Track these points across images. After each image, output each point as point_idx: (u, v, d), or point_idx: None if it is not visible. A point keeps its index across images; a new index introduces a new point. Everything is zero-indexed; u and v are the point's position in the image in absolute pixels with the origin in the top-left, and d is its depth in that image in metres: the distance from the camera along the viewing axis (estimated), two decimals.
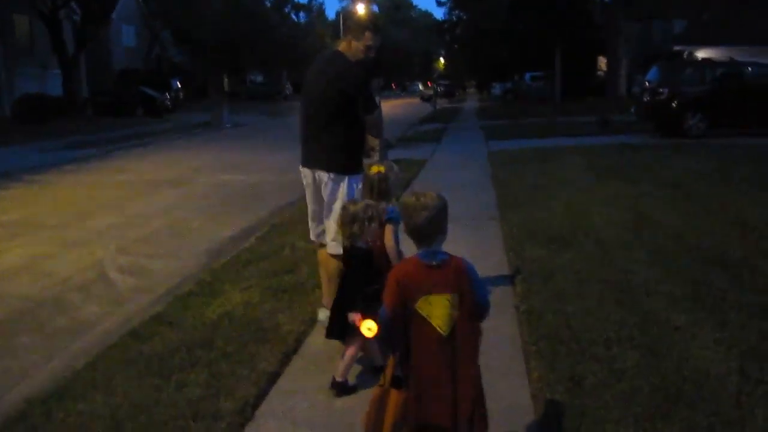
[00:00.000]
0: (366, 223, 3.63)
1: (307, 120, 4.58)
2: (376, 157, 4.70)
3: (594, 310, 4.64)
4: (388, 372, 2.83)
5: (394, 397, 2.76)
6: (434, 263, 2.63)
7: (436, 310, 2.59)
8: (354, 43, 4.44)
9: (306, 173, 4.58)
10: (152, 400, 3.71)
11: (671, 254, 6.06)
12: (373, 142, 4.67)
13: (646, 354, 3.91)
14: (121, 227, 9.31)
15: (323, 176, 4.40)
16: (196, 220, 9.69)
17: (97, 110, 35.72)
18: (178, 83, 43.18)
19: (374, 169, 3.96)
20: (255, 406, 3.64)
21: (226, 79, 64.11)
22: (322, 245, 4.68)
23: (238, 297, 5.47)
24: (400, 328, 2.63)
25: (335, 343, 4.44)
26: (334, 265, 4.40)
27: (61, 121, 29.80)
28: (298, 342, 4.50)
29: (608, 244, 6.49)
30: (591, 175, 11.03)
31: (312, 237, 4.82)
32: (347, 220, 3.67)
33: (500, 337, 4.31)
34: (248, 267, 6.42)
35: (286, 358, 4.23)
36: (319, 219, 4.63)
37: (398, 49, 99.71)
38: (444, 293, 2.60)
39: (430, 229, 2.64)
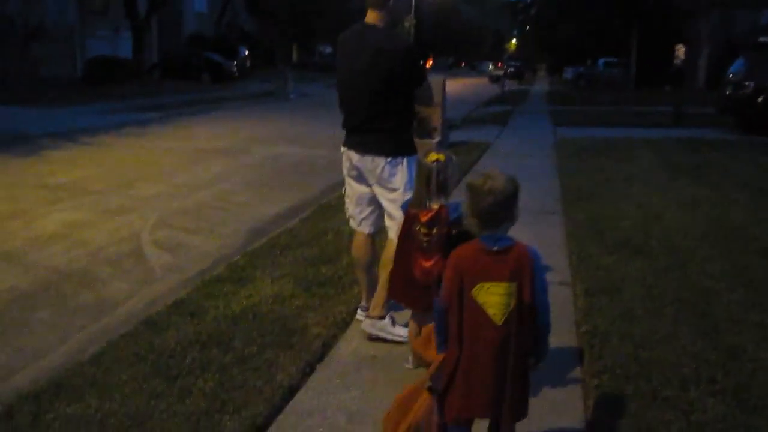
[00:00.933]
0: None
1: (350, 103, 4.23)
2: (437, 137, 4.25)
3: (668, 337, 3.98)
4: (431, 371, 2.65)
5: (425, 399, 2.68)
6: (495, 248, 2.50)
7: (493, 298, 2.47)
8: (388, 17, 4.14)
9: (352, 157, 4.20)
10: (150, 409, 3.26)
11: (759, 274, 5.31)
12: (432, 119, 4.20)
13: (732, 404, 3.25)
14: (165, 197, 9.00)
15: (378, 161, 4.06)
16: (243, 194, 9.31)
17: (164, 74, 35.97)
18: (245, 51, 43.10)
19: (432, 157, 3.47)
20: (262, 428, 3.15)
21: (295, 50, 64.00)
22: (365, 234, 4.39)
23: (268, 288, 5.00)
24: (455, 319, 2.52)
25: (366, 352, 3.97)
26: (386, 252, 4.12)
27: (128, 84, 30.04)
28: (326, 348, 3.99)
29: (685, 255, 5.75)
30: (664, 172, 10.16)
31: (356, 226, 4.44)
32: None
33: (555, 362, 3.72)
34: (286, 252, 5.95)
35: (308, 368, 3.72)
36: (366, 204, 4.31)
37: (469, 27, 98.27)
38: (502, 281, 2.47)
39: (495, 214, 2.49)
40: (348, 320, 4.42)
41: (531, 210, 7.36)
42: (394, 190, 4.07)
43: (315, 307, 4.59)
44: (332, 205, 7.89)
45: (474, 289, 2.49)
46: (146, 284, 5.67)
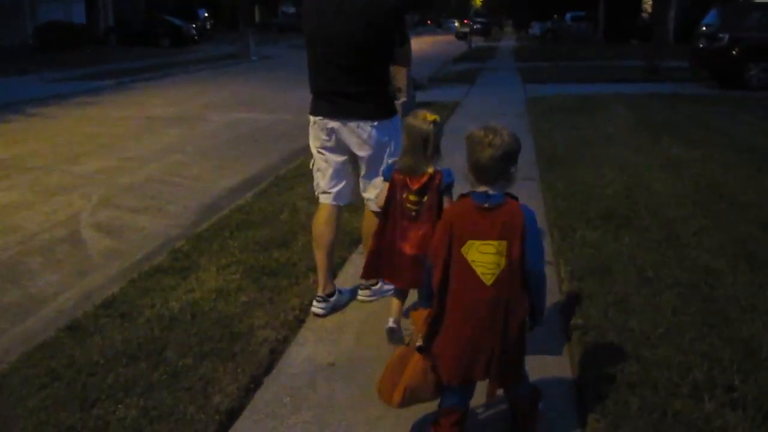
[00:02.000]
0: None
1: (328, 63, 3.77)
2: (402, 98, 4.01)
3: (671, 331, 3.43)
4: (419, 330, 2.56)
5: (416, 360, 2.55)
6: (486, 205, 2.43)
7: (482, 257, 2.40)
8: None
9: (329, 124, 3.80)
10: None
11: (762, 248, 4.76)
12: (397, 79, 3.90)
13: (756, 415, 2.70)
14: (112, 172, 8.31)
15: (363, 126, 3.73)
16: (196, 166, 8.65)
17: (121, 40, 34.79)
18: (205, 13, 41.75)
19: (429, 117, 3.24)
20: None
21: (257, 10, 62.41)
22: (335, 206, 4.01)
23: (213, 279, 4.39)
24: (441, 275, 2.46)
25: (322, 359, 3.41)
26: (368, 226, 3.87)
27: (82, 51, 28.87)
28: (274, 356, 3.40)
29: (677, 227, 5.20)
30: (644, 131, 9.63)
31: (330, 200, 3.99)
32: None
33: (543, 364, 3.19)
34: (236, 235, 5.34)
35: (253, 385, 3.14)
36: (343, 176, 3.96)
37: None
38: (491, 240, 2.40)
39: (491, 170, 2.42)
40: (302, 318, 3.84)
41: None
42: (384, 154, 3.77)
43: (264, 303, 3.98)
44: (289, 178, 7.28)
45: (464, 246, 2.41)
46: (80, 276, 5.05)
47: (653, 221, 5.32)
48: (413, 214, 3.32)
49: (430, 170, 3.24)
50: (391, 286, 3.80)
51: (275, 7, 64.29)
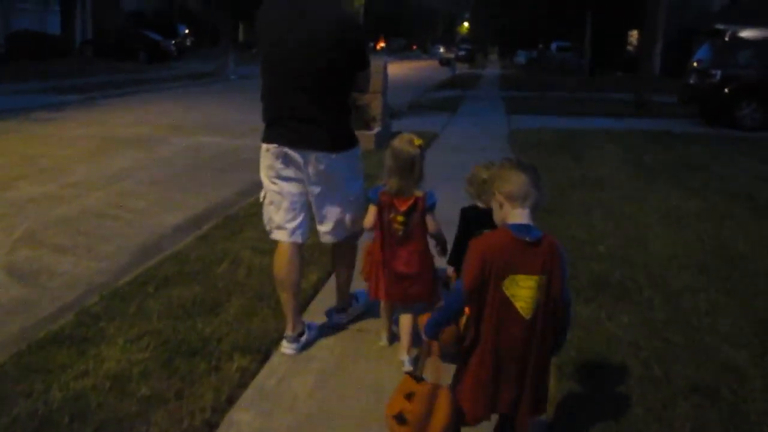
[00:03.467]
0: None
1: (283, 86, 3.53)
2: (377, 127, 4.06)
3: None
4: (433, 365, 2.54)
5: (445, 396, 2.47)
6: (528, 239, 2.39)
7: (522, 292, 2.38)
8: None
9: (286, 153, 3.54)
10: None
11: None
12: (371, 107, 3.84)
13: None
14: (47, 201, 7.44)
15: (321, 157, 3.51)
16: (144, 197, 7.81)
17: (98, 53, 33.86)
18: (185, 29, 41.01)
19: (416, 142, 3.38)
20: None
21: (242, 29, 61.69)
22: (294, 243, 3.70)
23: (115, 357, 3.52)
24: (475, 310, 2.46)
25: None
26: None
27: (55, 63, 27.93)
28: None
29: (686, 301, 4.36)
30: (637, 174, 8.85)
31: (286, 237, 3.68)
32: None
33: None
34: (161, 292, 4.47)
35: None
36: (300, 209, 3.67)
37: (421, 9, 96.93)
38: (533, 274, 2.38)
39: (532, 190, 2.44)
40: (213, 422, 2.97)
41: None
42: (338, 189, 3.62)
43: (169, 399, 3.10)
44: (240, 218, 6.43)
45: (505, 281, 2.39)
46: None
47: (656, 293, 4.48)
48: (400, 234, 3.43)
49: (419, 193, 3.38)
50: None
51: None
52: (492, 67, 58.05)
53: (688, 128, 14.32)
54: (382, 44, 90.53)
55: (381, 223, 3.46)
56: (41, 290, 4.99)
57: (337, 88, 3.55)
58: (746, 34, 15.59)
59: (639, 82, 19.67)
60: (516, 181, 2.42)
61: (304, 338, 3.70)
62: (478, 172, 3.36)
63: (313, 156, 3.50)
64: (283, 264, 3.66)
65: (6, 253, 5.72)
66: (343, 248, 3.85)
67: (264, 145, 3.63)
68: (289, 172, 3.57)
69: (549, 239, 2.44)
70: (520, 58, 58.69)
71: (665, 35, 34.95)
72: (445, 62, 49.88)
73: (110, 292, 4.52)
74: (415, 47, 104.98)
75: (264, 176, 3.67)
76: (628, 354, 3.57)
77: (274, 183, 3.62)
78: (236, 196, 7.91)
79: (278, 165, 3.57)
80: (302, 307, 3.90)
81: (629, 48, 47.10)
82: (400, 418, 2.47)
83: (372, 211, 3.48)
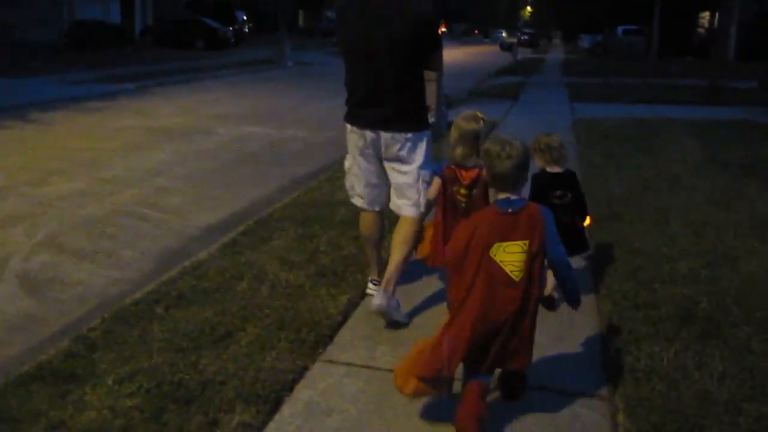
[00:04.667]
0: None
1: (366, 74, 3.83)
2: (431, 118, 3.98)
3: None
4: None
5: (432, 355, 2.69)
6: (510, 210, 2.66)
7: (510, 257, 2.64)
8: None
9: (367, 135, 3.88)
10: None
11: None
12: (428, 97, 3.92)
13: None
14: (77, 198, 7.04)
15: (397, 137, 3.81)
16: (179, 194, 7.34)
17: (157, 40, 33.87)
18: (243, 16, 40.78)
19: (479, 116, 3.61)
20: None
21: (301, 15, 61.51)
22: (375, 211, 4.13)
23: (97, 404, 2.95)
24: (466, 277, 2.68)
25: None
26: (401, 231, 3.91)
27: (115, 51, 27.96)
28: None
29: None
30: (718, 172, 7.83)
31: (365, 205, 4.12)
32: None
33: None
34: (170, 314, 3.92)
35: None
36: (377, 184, 4.05)
37: None
38: (518, 239, 2.64)
39: (511, 178, 2.67)
40: None
41: None
42: (411, 165, 3.86)
43: None
44: (273, 221, 5.85)
45: (492, 249, 2.63)
46: None
47: (755, 330, 3.63)
48: (463, 206, 3.62)
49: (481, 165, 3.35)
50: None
51: (320, 12, 63.23)
52: (555, 52, 56.45)
53: None
54: (443, 29, 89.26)
55: (444, 196, 3.66)
56: (50, 304, 4.52)
57: (412, 71, 3.78)
58: None
59: (713, 67, 18.43)
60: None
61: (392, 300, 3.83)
62: (541, 140, 4.04)
63: (390, 136, 3.79)
64: (366, 226, 4.14)
65: (23, 259, 5.29)
66: (411, 226, 3.92)
67: (348, 126, 3.96)
68: (369, 151, 3.90)
69: (531, 207, 2.69)
70: (584, 42, 56.84)
71: (740, 16, 33.18)
72: (506, 47, 48.60)
73: (114, 313, 3.98)
74: (477, 32, 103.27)
75: (349, 148, 4.03)
76: (724, 421, 2.78)
77: (357, 159, 3.98)
78: (276, 193, 7.39)
79: (360, 143, 3.90)
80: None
81: (700, 30, 45.11)
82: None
83: (436, 183, 3.67)
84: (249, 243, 5.23)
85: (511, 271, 2.62)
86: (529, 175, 2.92)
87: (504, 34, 70.88)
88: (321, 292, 4.19)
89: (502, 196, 2.69)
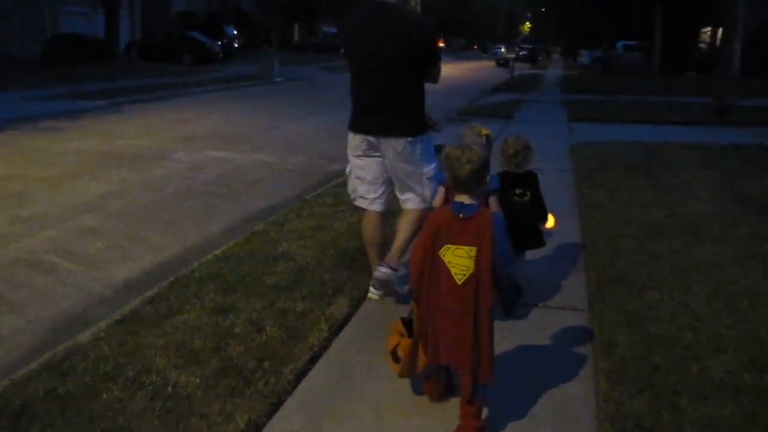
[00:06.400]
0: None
1: (370, 85, 4.14)
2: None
3: None
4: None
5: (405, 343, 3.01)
6: (461, 215, 2.76)
7: (457, 259, 2.75)
8: None
9: (367, 140, 4.19)
10: None
11: None
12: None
13: None
14: None
15: (398, 141, 4.10)
16: (104, 236, 6.23)
17: (144, 55, 32.74)
18: (233, 30, 39.70)
19: (483, 132, 3.72)
20: None
21: (297, 30, 60.45)
22: (377, 212, 4.40)
23: None
24: (422, 274, 2.83)
25: None
26: (404, 223, 4.29)
27: (95, 66, 26.81)
28: None
29: None
30: (742, 213, 6.52)
31: (367, 205, 4.39)
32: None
33: None
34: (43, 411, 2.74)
35: None
36: (381, 184, 4.34)
37: (482, 8, 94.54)
38: (464, 245, 2.73)
39: (471, 182, 2.77)
40: None
41: (549, 307, 4.17)
42: (413, 163, 4.14)
43: None
44: (192, 281, 4.65)
45: (442, 249, 2.77)
46: None
47: None
48: None
49: None
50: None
51: (314, 27, 62.21)
52: (554, 68, 55.35)
53: None
54: (441, 44, 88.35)
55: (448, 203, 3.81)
56: None
57: (412, 82, 4.08)
58: None
59: (720, 84, 17.29)
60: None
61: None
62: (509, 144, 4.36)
63: (392, 140, 4.08)
64: (368, 227, 4.36)
65: None
66: (417, 213, 4.24)
67: (351, 133, 4.26)
68: (372, 153, 4.20)
69: (482, 214, 2.79)
70: (584, 58, 55.88)
71: (745, 32, 32.15)
72: (502, 62, 47.62)
73: None
74: (476, 47, 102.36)
75: (351, 155, 4.32)
76: None
77: (360, 160, 4.26)
78: (218, 236, 6.28)
79: (363, 146, 4.20)
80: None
81: (701, 46, 44.12)
82: (395, 357, 3.05)
83: (440, 192, 3.78)
84: (151, 316, 4.04)
85: (455, 273, 2.74)
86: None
87: (503, 50, 69.81)
88: (213, 409, 3.00)
89: (458, 198, 2.80)
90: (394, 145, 4.09)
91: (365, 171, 4.29)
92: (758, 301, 4.19)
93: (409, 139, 4.08)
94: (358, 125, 4.22)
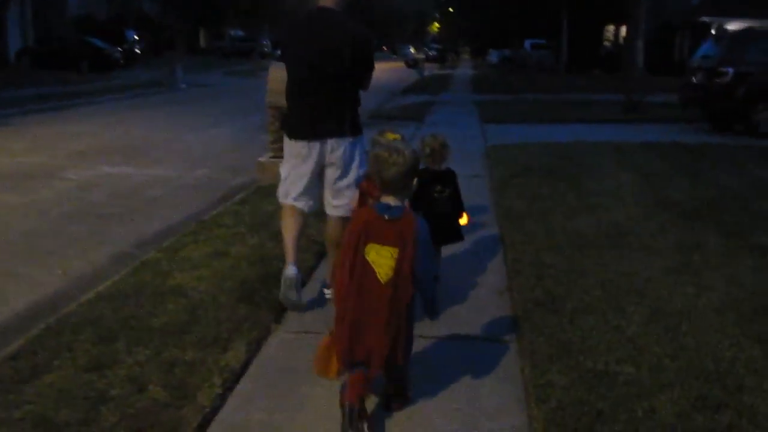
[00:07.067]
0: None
1: (310, 88, 4.23)
2: None
3: None
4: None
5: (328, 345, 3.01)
6: (386, 217, 2.81)
7: (380, 259, 2.79)
8: None
9: (309, 145, 4.23)
10: None
11: None
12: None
13: None
14: None
15: (340, 143, 4.21)
16: None
17: (37, 63, 30.98)
18: (134, 35, 38.21)
19: (391, 136, 3.79)
20: None
21: (203, 34, 58.95)
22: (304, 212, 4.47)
23: None
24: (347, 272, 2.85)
25: None
26: (336, 232, 4.30)
27: None
28: None
29: None
30: (668, 218, 6.22)
31: (300, 206, 4.40)
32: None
33: None
34: None
35: None
36: (314, 190, 4.40)
37: (391, 10, 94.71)
38: (388, 246, 2.78)
39: (398, 184, 2.83)
40: None
41: (471, 338, 3.73)
42: (351, 169, 4.26)
43: None
44: (71, 327, 3.97)
45: (366, 247, 2.80)
46: None
47: None
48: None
49: None
50: None
51: (223, 31, 60.72)
52: (464, 67, 55.80)
53: (698, 138, 12.04)
54: None
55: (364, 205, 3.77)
56: None
57: (349, 87, 4.25)
58: (729, 26, 13.50)
59: (628, 82, 17.45)
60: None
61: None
62: (427, 143, 4.55)
63: (334, 141, 4.20)
64: (287, 221, 4.43)
65: None
66: (345, 221, 4.11)
67: (289, 139, 4.33)
68: (310, 157, 4.25)
69: (407, 217, 2.83)
70: (493, 57, 56.49)
71: (646, 30, 32.97)
72: (412, 64, 47.57)
73: None
74: (386, 48, 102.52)
75: (286, 154, 4.39)
76: None
77: (300, 165, 4.30)
78: (105, 267, 5.60)
79: (304, 151, 4.24)
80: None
81: (606, 44, 45.13)
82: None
83: (355, 195, 4.05)
84: (9, 378, 3.36)
85: (379, 273, 2.78)
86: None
87: (412, 50, 69.92)
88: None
89: (385, 199, 2.85)
90: (336, 147, 4.19)
91: (300, 173, 4.32)
92: (697, 323, 3.83)
93: (349, 140, 4.21)
94: (298, 132, 4.27)
